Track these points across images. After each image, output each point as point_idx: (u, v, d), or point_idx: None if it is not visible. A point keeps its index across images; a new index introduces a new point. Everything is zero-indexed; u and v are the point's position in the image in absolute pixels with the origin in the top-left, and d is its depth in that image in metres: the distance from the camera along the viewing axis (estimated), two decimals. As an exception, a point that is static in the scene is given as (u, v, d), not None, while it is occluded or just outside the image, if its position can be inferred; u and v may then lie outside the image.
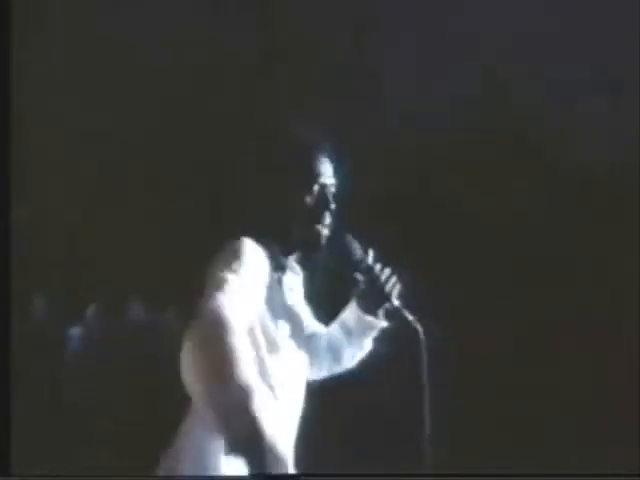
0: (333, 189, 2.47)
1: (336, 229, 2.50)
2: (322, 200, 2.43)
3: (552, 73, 4.92)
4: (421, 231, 4.97)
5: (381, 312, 2.61)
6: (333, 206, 2.46)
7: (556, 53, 4.89)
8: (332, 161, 2.50)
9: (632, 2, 4.80)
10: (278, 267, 2.41)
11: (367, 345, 2.70)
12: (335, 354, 2.69)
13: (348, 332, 2.67)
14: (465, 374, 4.74)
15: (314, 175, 2.43)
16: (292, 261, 2.51)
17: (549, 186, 5.00)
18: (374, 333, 2.67)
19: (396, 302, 2.56)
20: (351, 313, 2.66)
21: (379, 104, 5.10)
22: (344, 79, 5.13)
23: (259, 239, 2.33)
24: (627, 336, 4.69)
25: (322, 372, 2.68)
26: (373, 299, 2.59)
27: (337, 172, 2.50)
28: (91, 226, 5.13)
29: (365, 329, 2.65)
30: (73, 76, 5.20)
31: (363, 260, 2.57)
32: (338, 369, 2.73)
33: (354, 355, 2.70)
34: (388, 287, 2.56)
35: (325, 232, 2.45)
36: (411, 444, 2.31)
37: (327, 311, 2.71)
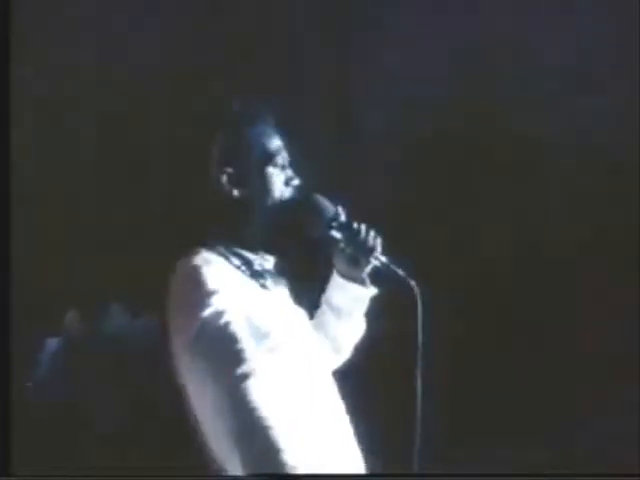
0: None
1: (300, 192, 2.25)
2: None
3: (551, 73, 4.93)
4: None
5: (367, 276, 2.29)
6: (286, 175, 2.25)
7: (555, 53, 4.90)
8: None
9: (632, 2, 4.80)
10: (255, 275, 2.20)
11: (361, 324, 2.40)
12: (333, 343, 2.39)
13: (337, 311, 2.35)
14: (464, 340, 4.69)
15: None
16: (271, 266, 2.26)
17: (547, 181, 5.00)
18: (365, 306, 2.36)
19: (383, 258, 2.23)
20: (334, 288, 2.34)
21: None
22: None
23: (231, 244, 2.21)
24: (627, 335, 4.69)
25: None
26: (356, 258, 2.26)
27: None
28: (73, 229, 5.09)
29: (354, 302, 2.33)
30: (74, 76, 5.19)
31: (337, 217, 2.23)
32: (339, 361, 2.44)
33: (350, 340, 2.40)
34: (370, 241, 2.22)
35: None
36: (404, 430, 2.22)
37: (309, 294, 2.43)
